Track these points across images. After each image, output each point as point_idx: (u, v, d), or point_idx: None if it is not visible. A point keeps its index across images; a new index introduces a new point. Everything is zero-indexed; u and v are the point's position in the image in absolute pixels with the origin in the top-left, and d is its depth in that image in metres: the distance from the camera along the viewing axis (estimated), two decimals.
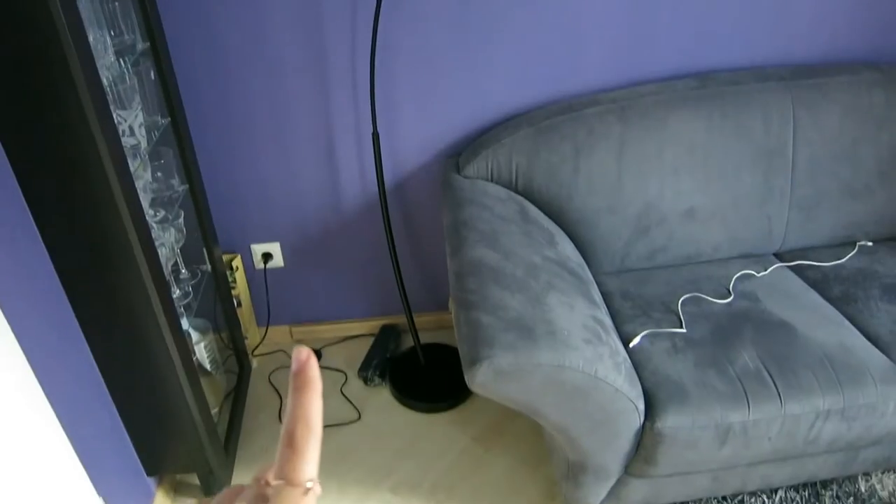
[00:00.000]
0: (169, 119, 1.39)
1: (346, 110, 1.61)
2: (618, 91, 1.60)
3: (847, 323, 1.39)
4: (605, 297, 1.51)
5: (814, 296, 1.49)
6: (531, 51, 1.58)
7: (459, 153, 1.67)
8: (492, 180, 1.56)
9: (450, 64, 1.57)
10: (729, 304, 1.45)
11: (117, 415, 1.30)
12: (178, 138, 1.42)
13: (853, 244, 1.67)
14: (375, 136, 1.55)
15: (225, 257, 1.77)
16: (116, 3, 1.21)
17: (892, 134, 1.60)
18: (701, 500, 1.46)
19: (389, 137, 1.66)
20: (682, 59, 1.63)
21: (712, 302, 1.46)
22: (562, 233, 1.51)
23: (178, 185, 1.44)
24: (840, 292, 1.50)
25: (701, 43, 1.62)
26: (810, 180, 1.60)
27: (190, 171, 1.47)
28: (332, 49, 1.52)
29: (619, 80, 1.64)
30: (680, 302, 1.46)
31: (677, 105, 1.54)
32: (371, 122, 1.58)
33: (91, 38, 1.04)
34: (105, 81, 1.06)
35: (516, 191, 1.55)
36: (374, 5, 1.41)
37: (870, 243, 1.66)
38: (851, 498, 1.47)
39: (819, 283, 1.54)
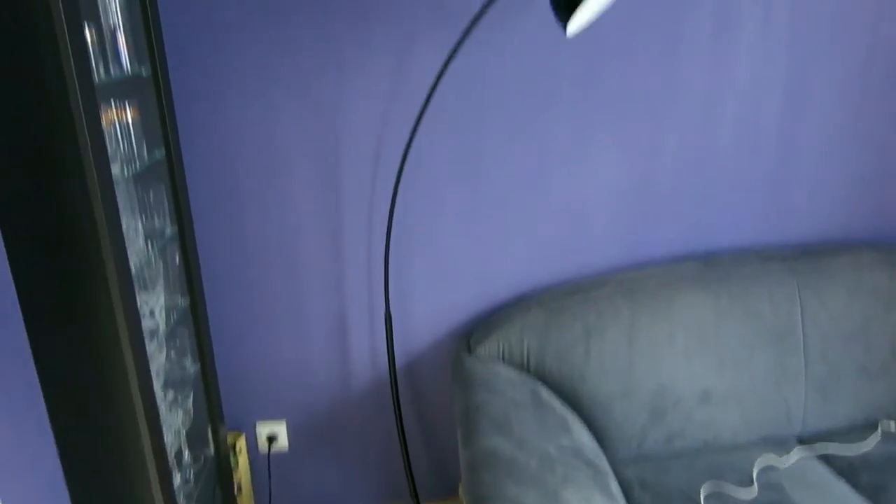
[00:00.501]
0: (188, 299, 1.42)
1: (359, 290, 1.65)
2: (625, 272, 1.64)
3: None
4: (624, 487, 1.44)
5: (843, 486, 1.42)
6: (540, 233, 1.64)
7: (471, 333, 1.68)
8: (503, 361, 1.56)
9: (462, 245, 1.63)
10: (755, 497, 1.38)
11: None
12: (195, 318, 1.45)
13: (875, 426, 1.62)
14: (388, 317, 1.57)
15: (228, 436, 1.73)
16: (150, 192, 1.29)
17: None
18: None
19: (402, 316, 1.68)
20: (686, 240, 1.69)
21: (736, 492, 1.39)
22: (576, 418, 1.48)
23: (191, 365, 1.44)
24: (869, 481, 1.43)
25: (702, 225, 1.68)
26: (824, 361, 1.59)
27: (203, 349, 1.48)
28: (350, 233, 1.59)
29: (626, 261, 1.69)
30: (702, 493, 1.39)
31: (684, 287, 1.58)
32: (384, 302, 1.61)
33: (124, 225, 1.10)
34: (133, 266, 1.10)
35: (528, 372, 1.54)
36: (391, 192, 1.49)
37: (893, 424, 1.62)
38: None
39: (846, 471, 1.48)
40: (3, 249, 0.98)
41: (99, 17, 1.02)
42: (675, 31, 1.52)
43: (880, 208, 1.75)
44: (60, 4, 0.85)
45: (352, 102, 1.48)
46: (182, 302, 1.40)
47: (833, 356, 1.60)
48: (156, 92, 1.25)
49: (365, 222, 1.59)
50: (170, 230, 1.35)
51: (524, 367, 1.55)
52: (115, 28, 1.06)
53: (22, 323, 1.01)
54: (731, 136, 1.63)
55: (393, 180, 1.53)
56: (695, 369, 1.55)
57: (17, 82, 0.89)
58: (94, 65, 0.98)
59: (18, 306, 1.01)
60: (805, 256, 1.66)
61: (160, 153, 1.30)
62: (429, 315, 1.69)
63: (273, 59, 1.43)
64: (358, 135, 1.51)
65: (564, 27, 1.12)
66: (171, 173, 1.33)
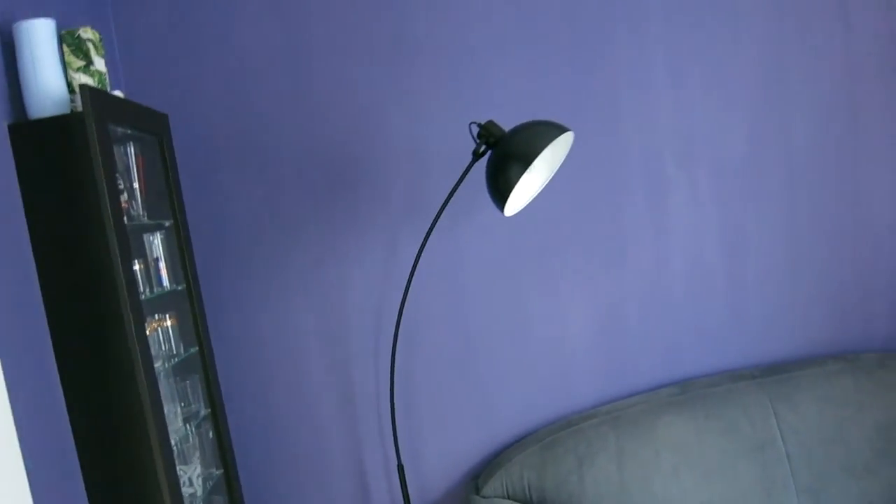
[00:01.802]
0: (222, 469, 1.64)
1: (374, 446, 1.85)
2: (611, 404, 1.82)
3: None
4: None
5: None
6: (530, 375, 1.85)
7: (479, 474, 1.84)
8: (508, 497, 1.71)
9: (462, 394, 1.84)
10: None
11: None
12: (228, 486, 1.65)
13: None
14: (401, 468, 1.75)
15: None
16: (187, 382, 1.56)
17: (873, 414, 1.73)
18: None
19: (415, 466, 1.86)
20: (661, 369, 1.88)
21: None
22: None
23: None
24: None
25: (673, 356, 1.87)
26: (809, 467, 1.70)
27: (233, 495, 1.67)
28: (361, 396, 1.82)
29: (611, 393, 1.87)
30: None
31: (663, 411, 1.74)
32: (395, 453, 1.80)
33: (166, 410, 1.35)
34: (173, 443, 1.34)
35: None
36: (391, 350, 1.74)
37: None
38: None
39: None
40: (72, 437, 1.24)
41: (145, 253, 1.35)
42: (617, 205, 1.82)
43: (839, 321, 1.92)
44: (117, 249, 1.17)
45: (353, 286, 1.79)
46: (216, 472, 1.61)
47: (816, 461, 1.71)
48: (189, 302, 1.56)
49: (373, 387, 1.83)
50: (204, 412, 1.60)
51: (527, 500, 1.69)
52: (157, 258, 1.39)
53: (85, 495, 1.24)
54: (684, 281, 1.87)
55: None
56: (685, 485, 1.67)
57: (85, 307, 1.19)
58: (141, 287, 1.29)
59: (83, 483, 1.24)
60: (773, 372, 1.82)
61: (195, 349, 1.58)
62: (441, 462, 1.86)
63: (282, 259, 1.75)
64: (360, 312, 1.80)
65: (501, 210, 1.41)
66: (203, 365, 1.60)
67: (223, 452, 1.63)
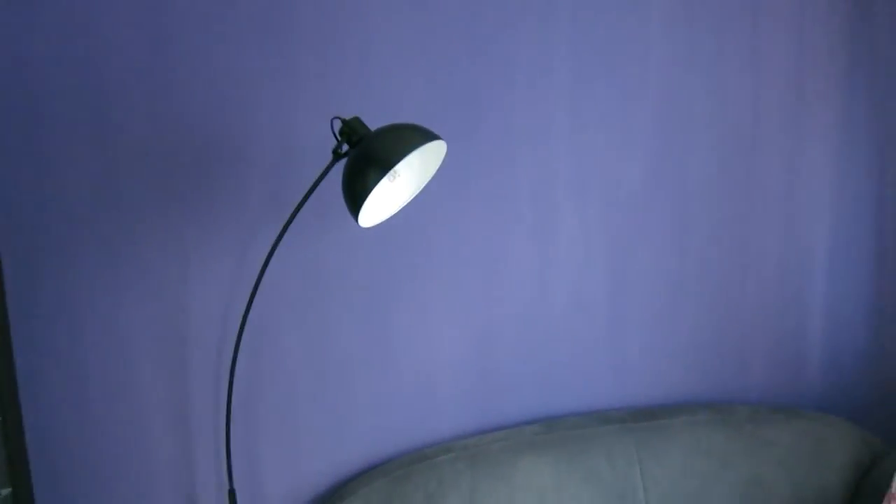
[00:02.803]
0: (10, 489, 1.41)
1: (207, 467, 1.65)
2: (470, 438, 1.68)
3: None
4: None
5: None
6: (388, 403, 1.70)
7: None
8: None
9: (311, 416, 1.67)
10: None
11: None
12: None
13: None
14: (232, 494, 1.56)
15: None
16: None
17: (737, 471, 1.67)
18: None
19: (250, 492, 1.67)
20: (530, 405, 1.76)
21: None
22: None
23: None
24: None
25: (544, 391, 1.76)
26: None
27: None
28: (198, 412, 1.62)
29: (472, 427, 1.74)
30: None
31: (524, 450, 1.62)
32: (227, 478, 1.61)
33: None
34: None
35: None
36: (231, 356, 1.55)
37: None
38: None
39: None
40: None
41: None
42: (501, 231, 1.70)
43: (715, 370, 1.87)
44: None
45: (197, 287, 1.58)
46: (3, 491, 1.38)
47: None
48: None
49: (212, 402, 1.63)
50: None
51: None
52: None
53: None
54: (564, 315, 1.76)
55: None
56: None
57: None
58: None
59: None
60: (643, 418, 1.73)
61: None
62: (280, 490, 1.68)
63: (116, 250, 1.54)
64: (203, 317, 1.60)
65: (355, 218, 1.25)
66: None
67: (14, 466, 1.40)
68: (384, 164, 1.19)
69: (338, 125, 1.30)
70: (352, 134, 1.27)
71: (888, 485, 1.63)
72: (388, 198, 1.34)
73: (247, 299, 1.58)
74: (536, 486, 1.59)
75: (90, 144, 1.48)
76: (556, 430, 1.68)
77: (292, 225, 1.57)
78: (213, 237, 1.57)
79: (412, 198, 1.39)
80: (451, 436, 1.73)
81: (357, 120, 1.28)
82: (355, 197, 1.22)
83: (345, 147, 1.29)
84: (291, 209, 1.58)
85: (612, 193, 1.76)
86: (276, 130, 1.56)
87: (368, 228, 1.63)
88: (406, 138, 1.22)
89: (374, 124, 1.46)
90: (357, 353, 1.67)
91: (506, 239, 1.71)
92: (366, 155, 1.21)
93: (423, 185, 1.37)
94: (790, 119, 1.84)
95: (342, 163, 1.38)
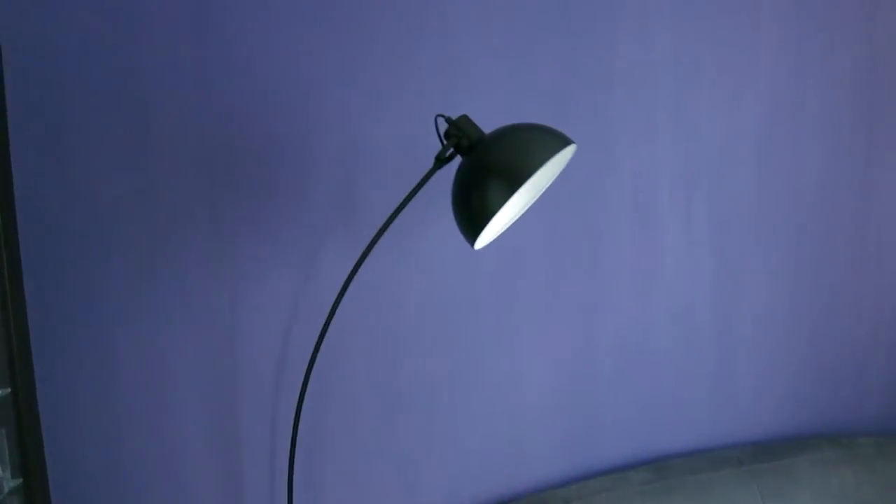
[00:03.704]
0: None
1: None
2: (566, 487, 1.44)
3: None
4: None
5: None
6: (469, 446, 1.45)
7: None
8: None
9: (380, 462, 1.42)
10: None
11: None
12: None
13: None
14: None
15: None
16: None
17: None
18: None
19: None
20: (631, 446, 1.52)
21: None
22: None
23: None
24: None
25: (648, 428, 1.53)
26: None
27: None
28: (250, 468, 1.36)
29: (567, 473, 1.50)
30: None
31: (633, 502, 1.38)
32: None
33: None
34: None
35: None
36: (297, 399, 1.30)
37: None
38: None
39: None
40: None
41: None
42: (597, 238, 1.45)
43: (832, 396, 1.64)
44: None
45: (250, 311, 1.32)
46: None
47: None
48: (3, 314, 1.05)
49: (267, 445, 1.37)
50: (11, 484, 1.10)
51: None
52: None
53: None
54: (667, 336, 1.53)
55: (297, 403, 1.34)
56: None
57: None
58: None
59: None
60: (763, 458, 1.50)
61: (3, 391, 1.08)
62: None
63: (155, 266, 1.26)
64: (257, 344, 1.33)
65: (472, 241, 1.00)
66: (17, 414, 1.10)
67: None
68: (516, 177, 0.93)
69: (442, 125, 1.04)
70: (462, 136, 1.01)
71: None
72: (501, 214, 1.09)
73: (309, 325, 1.34)
74: None
75: (131, 143, 1.20)
76: (667, 477, 1.44)
77: (359, 240, 1.31)
78: (267, 254, 1.30)
79: (527, 208, 1.13)
80: (543, 484, 1.49)
81: (467, 119, 1.02)
82: (475, 216, 0.96)
83: (451, 152, 1.03)
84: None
85: (721, 205, 1.52)
86: (343, 130, 1.29)
87: (449, 245, 1.37)
88: (537, 143, 0.96)
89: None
90: (433, 388, 1.42)
91: (603, 252, 1.46)
92: (488, 164, 0.96)
93: (541, 192, 1.12)
94: None
95: (444, 170, 1.12)
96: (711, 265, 1.53)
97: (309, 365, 1.15)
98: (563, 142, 0.97)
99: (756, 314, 1.58)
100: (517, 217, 1.13)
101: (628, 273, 1.48)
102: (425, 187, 1.24)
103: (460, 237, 1.35)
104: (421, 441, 1.43)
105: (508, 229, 1.38)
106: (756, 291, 1.57)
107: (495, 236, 1.10)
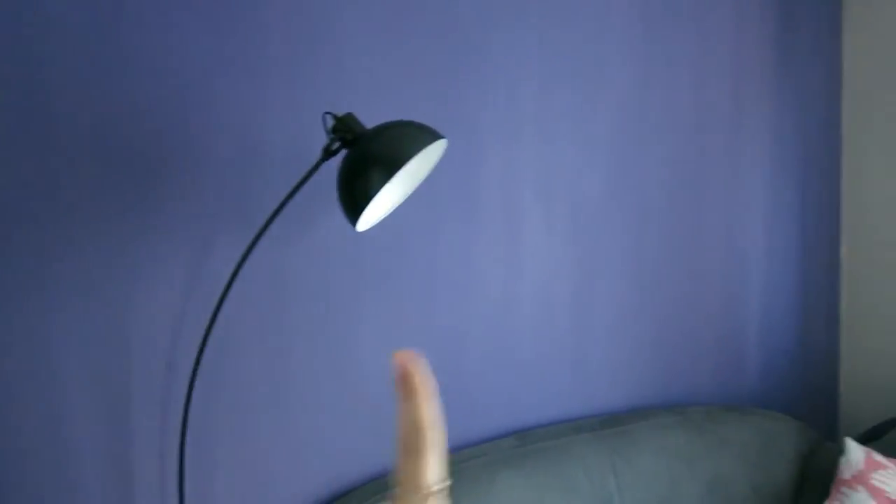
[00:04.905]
0: None
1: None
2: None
3: None
4: None
5: None
6: (353, 420, 1.56)
7: None
8: None
9: (269, 438, 1.51)
10: None
11: None
12: None
13: None
14: None
15: None
16: None
17: (702, 470, 1.70)
18: None
19: None
20: (500, 418, 1.70)
21: None
22: None
23: None
24: None
25: (515, 402, 1.71)
26: None
27: None
28: (139, 448, 1.41)
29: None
30: None
31: (501, 466, 1.56)
32: None
33: None
34: None
35: None
36: (187, 388, 1.37)
37: None
38: None
39: None
40: None
41: None
42: (470, 229, 1.63)
43: (670, 373, 1.91)
44: None
45: (141, 302, 1.38)
46: None
47: None
48: None
49: (157, 445, 1.42)
50: None
51: None
52: None
53: None
54: (531, 323, 1.72)
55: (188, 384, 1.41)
56: None
57: None
58: None
59: None
60: (611, 424, 1.73)
61: None
62: None
63: (43, 259, 1.31)
64: (149, 335, 1.40)
65: (354, 223, 1.14)
66: None
67: None
68: (391, 165, 1.09)
69: (329, 121, 1.18)
70: (346, 131, 1.16)
71: (830, 472, 1.73)
72: (382, 200, 1.24)
73: (202, 316, 1.41)
74: (516, 501, 1.53)
75: (23, 137, 1.25)
76: (530, 443, 1.63)
77: (251, 232, 1.41)
78: (161, 247, 1.37)
79: (403, 199, 1.29)
80: None
81: (352, 116, 1.17)
82: (356, 199, 1.11)
83: (337, 145, 1.17)
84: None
85: (576, 203, 1.75)
86: (236, 126, 1.40)
87: (334, 235, 1.50)
88: (411, 137, 1.12)
89: None
90: (321, 369, 1.53)
91: (474, 242, 1.65)
92: (369, 154, 1.11)
93: (417, 184, 1.28)
94: (729, 135, 1.93)
95: (328, 163, 1.25)
96: (569, 257, 1.75)
97: (198, 354, 1.24)
98: (435, 136, 1.14)
99: (608, 302, 1.82)
100: (397, 204, 1.28)
101: (496, 263, 1.67)
102: (315, 180, 1.36)
103: (349, 227, 1.49)
104: (310, 421, 1.54)
105: (391, 218, 1.52)
106: (607, 281, 1.81)
107: (377, 220, 1.25)
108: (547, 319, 1.74)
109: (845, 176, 2.13)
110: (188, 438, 1.42)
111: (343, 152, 1.17)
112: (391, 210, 1.28)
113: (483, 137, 1.63)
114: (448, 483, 0.32)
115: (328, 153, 1.16)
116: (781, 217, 2.05)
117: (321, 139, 1.29)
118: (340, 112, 1.19)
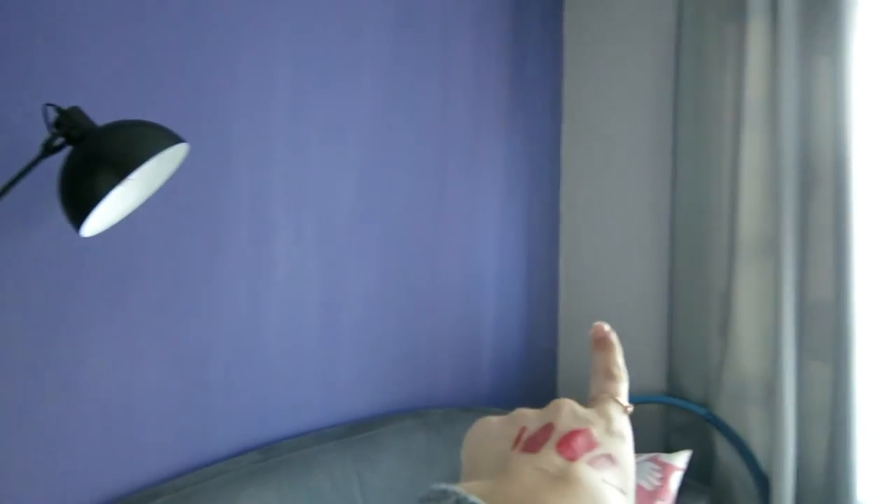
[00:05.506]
0: None
1: None
2: (183, 477, 1.51)
3: None
4: None
5: None
6: (81, 448, 1.41)
7: None
8: None
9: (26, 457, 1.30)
10: None
11: None
12: None
13: None
14: None
15: None
16: None
17: (441, 469, 1.83)
18: None
19: None
20: (246, 433, 1.66)
21: None
22: None
23: None
24: None
25: (261, 415, 1.68)
26: None
27: None
28: None
29: (184, 465, 1.56)
30: None
31: (245, 482, 1.52)
32: None
33: None
34: None
35: None
36: None
37: None
38: None
39: None
40: None
41: None
42: (214, 243, 1.58)
43: (413, 379, 2.02)
44: None
45: None
46: None
47: None
48: None
49: None
50: None
51: None
52: None
53: None
54: (278, 334, 1.71)
55: None
56: None
57: None
58: None
59: None
60: (357, 431, 1.78)
61: None
62: None
63: None
64: None
65: (78, 227, 1.05)
66: None
67: None
68: (122, 168, 1.02)
69: (52, 114, 1.06)
70: (72, 127, 1.06)
71: None
72: (111, 204, 1.15)
73: None
74: None
75: None
76: (274, 456, 1.61)
77: None
78: None
79: (139, 204, 1.21)
80: (159, 478, 1.53)
81: (78, 110, 1.08)
82: (82, 202, 1.02)
83: (59, 141, 1.07)
84: None
85: (326, 216, 1.78)
86: None
87: (55, 241, 1.35)
88: (148, 138, 1.07)
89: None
90: (35, 384, 1.36)
91: (220, 255, 1.59)
92: (99, 154, 1.03)
93: (154, 189, 1.21)
94: (468, 158, 2.11)
95: (52, 160, 1.12)
96: (318, 269, 1.78)
97: None
98: (174, 139, 1.09)
99: (354, 312, 1.87)
100: (130, 210, 1.20)
101: (243, 276, 1.63)
102: (36, 176, 1.22)
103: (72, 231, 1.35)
104: (20, 441, 1.36)
105: (126, 226, 1.41)
106: (354, 293, 1.86)
107: (107, 226, 1.16)
108: (295, 331, 1.74)
109: (563, 197, 2.45)
110: None
111: (67, 149, 1.07)
112: (124, 216, 1.19)
113: (231, 146, 1.59)
114: (631, 409, 0.40)
115: (49, 149, 1.05)
116: (511, 233, 2.29)
117: (41, 132, 1.16)
118: (65, 105, 1.09)
